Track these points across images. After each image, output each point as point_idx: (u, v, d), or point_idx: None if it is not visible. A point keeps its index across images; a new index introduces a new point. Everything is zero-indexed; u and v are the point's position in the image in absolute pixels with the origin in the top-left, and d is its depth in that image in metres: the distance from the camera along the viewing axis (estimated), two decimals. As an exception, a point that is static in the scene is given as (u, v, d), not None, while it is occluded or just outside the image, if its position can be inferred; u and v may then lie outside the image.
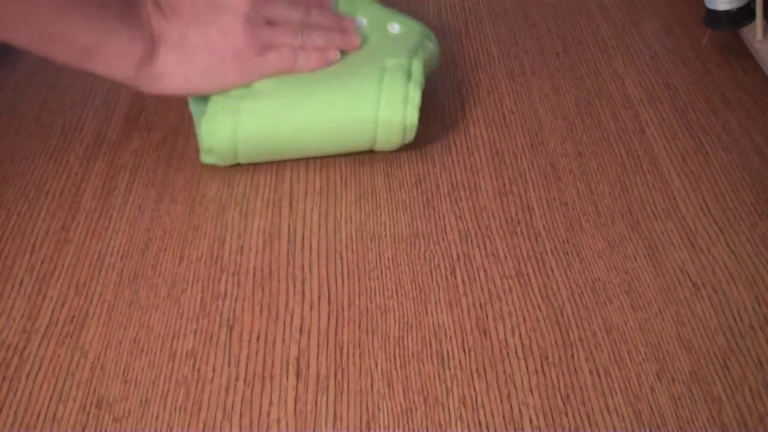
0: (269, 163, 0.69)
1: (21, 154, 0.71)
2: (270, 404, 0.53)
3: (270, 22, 0.66)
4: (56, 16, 0.58)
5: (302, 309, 0.58)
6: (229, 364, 0.55)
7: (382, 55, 0.68)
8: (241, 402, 0.53)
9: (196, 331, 0.57)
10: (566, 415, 0.51)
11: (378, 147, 0.68)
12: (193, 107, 0.68)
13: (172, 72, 0.63)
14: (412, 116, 0.66)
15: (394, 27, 0.72)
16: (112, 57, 0.61)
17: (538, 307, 0.57)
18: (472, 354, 0.54)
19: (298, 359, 0.55)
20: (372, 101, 0.65)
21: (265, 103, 0.66)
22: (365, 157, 0.69)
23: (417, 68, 0.68)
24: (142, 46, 0.61)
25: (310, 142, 0.67)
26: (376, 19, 0.72)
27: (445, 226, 0.63)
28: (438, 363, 0.54)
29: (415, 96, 0.66)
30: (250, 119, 0.65)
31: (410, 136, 0.67)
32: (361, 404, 0.52)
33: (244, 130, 0.65)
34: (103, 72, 0.62)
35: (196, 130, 0.67)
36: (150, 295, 0.59)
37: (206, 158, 0.67)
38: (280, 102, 0.66)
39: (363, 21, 0.72)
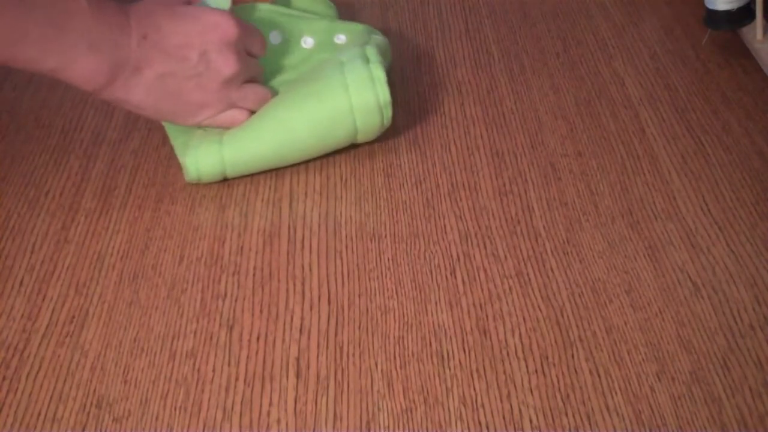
0: (269, 163, 0.69)
1: (21, 154, 0.71)
2: (270, 404, 0.53)
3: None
4: (14, 39, 0.58)
5: (302, 309, 0.58)
6: (229, 364, 0.55)
7: (337, 53, 0.70)
8: (241, 402, 0.53)
9: (196, 331, 0.57)
10: (566, 415, 0.51)
11: (361, 136, 0.68)
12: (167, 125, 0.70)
13: (132, 100, 0.64)
14: (384, 93, 0.66)
15: (341, 38, 0.73)
16: (74, 78, 0.61)
17: (538, 307, 0.57)
18: (472, 354, 0.54)
19: (298, 359, 0.55)
20: (342, 92, 0.66)
21: (246, 128, 0.67)
22: (365, 157, 0.69)
23: (371, 51, 0.68)
24: (107, 73, 0.61)
25: (296, 150, 0.67)
26: (322, 35, 0.73)
27: (445, 226, 0.63)
28: (438, 363, 0.54)
29: (379, 74, 0.66)
30: (235, 147, 0.66)
31: (388, 115, 0.67)
32: (361, 404, 0.52)
33: (231, 158, 0.66)
34: (72, 84, 0.62)
35: (175, 150, 0.68)
36: (150, 295, 0.59)
37: (192, 181, 0.68)
38: (259, 123, 0.67)
39: (310, 41, 0.73)
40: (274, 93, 0.69)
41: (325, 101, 0.66)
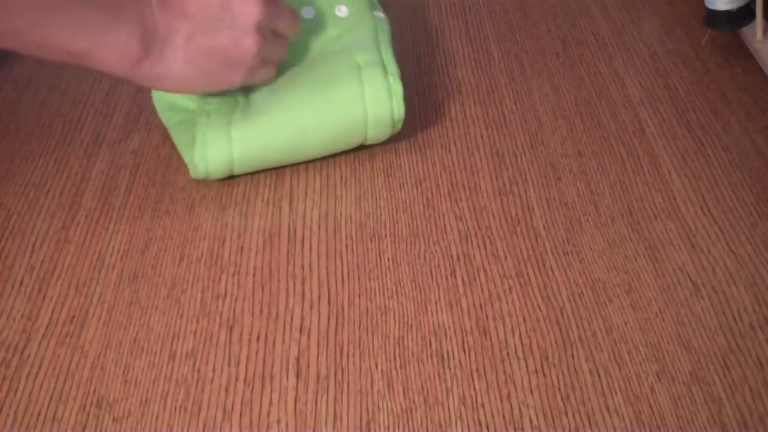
0: (269, 163, 0.69)
1: (21, 154, 0.71)
2: (270, 404, 0.53)
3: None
4: (42, 22, 0.57)
5: (302, 309, 0.58)
6: (229, 364, 0.55)
7: (350, 50, 0.69)
8: (241, 402, 0.53)
9: (196, 331, 0.57)
10: (566, 415, 0.51)
11: (369, 142, 0.68)
12: (164, 114, 0.69)
13: (173, 72, 0.63)
14: (399, 109, 0.66)
15: (342, 10, 0.72)
16: (106, 58, 0.60)
17: (538, 307, 0.57)
18: (472, 354, 0.54)
19: (298, 359, 0.55)
20: (358, 103, 0.65)
21: (256, 125, 0.65)
22: (365, 157, 0.69)
23: (388, 58, 0.68)
24: (139, 46, 0.60)
25: (305, 151, 0.67)
26: (323, 5, 0.72)
27: (445, 226, 0.63)
28: (438, 363, 0.54)
29: (397, 88, 0.66)
30: (244, 144, 0.65)
31: (398, 127, 0.68)
32: (361, 404, 0.52)
33: (240, 154, 0.65)
34: (100, 69, 0.61)
35: (179, 148, 0.67)
36: (150, 295, 0.59)
37: (199, 177, 0.67)
38: (269, 122, 0.66)
39: (311, 11, 0.72)
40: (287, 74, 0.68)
41: (340, 109, 0.65)
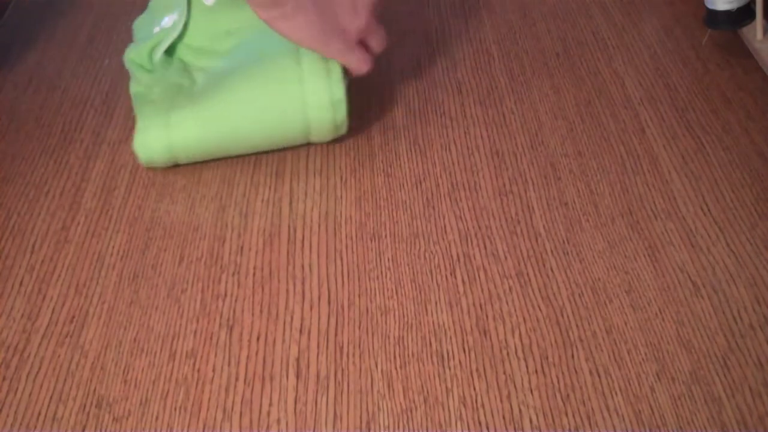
0: (269, 164, 0.69)
1: (21, 154, 0.71)
2: (270, 404, 0.53)
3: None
4: None
5: (302, 309, 0.58)
6: (229, 364, 0.55)
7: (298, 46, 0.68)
8: (241, 402, 0.53)
9: (196, 331, 0.57)
10: (566, 415, 0.51)
11: (315, 134, 0.67)
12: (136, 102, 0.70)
13: (301, 15, 0.63)
14: (338, 89, 0.65)
15: None
16: None
17: (538, 307, 0.57)
18: (472, 354, 0.54)
19: (298, 359, 0.55)
20: (297, 99, 0.65)
21: (194, 111, 0.66)
22: (365, 157, 0.69)
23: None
24: None
25: (244, 140, 0.67)
26: None
27: (445, 226, 0.63)
28: (438, 363, 0.54)
29: (336, 67, 0.65)
30: (182, 130, 0.66)
31: (342, 113, 0.66)
32: (361, 404, 0.52)
33: (179, 141, 0.66)
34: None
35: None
36: (150, 295, 0.59)
37: (145, 164, 0.68)
38: (208, 110, 0.66)
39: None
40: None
41: (278, 103, 0.65)
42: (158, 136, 0.66)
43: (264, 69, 0.66)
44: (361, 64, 0.67)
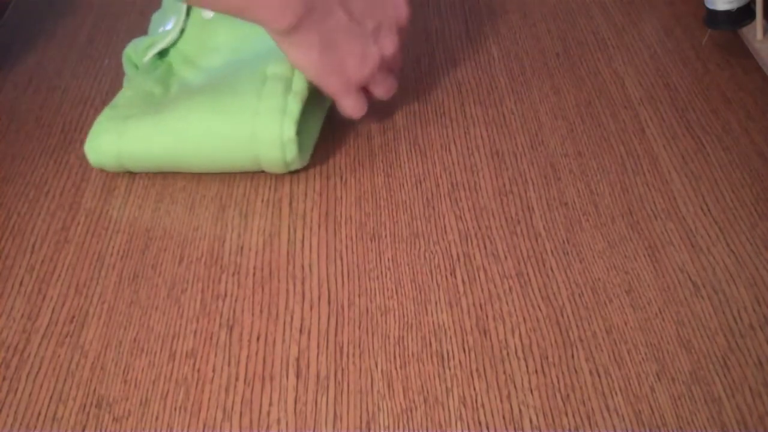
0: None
1: (21, 154, 0.71)
2: (270, 404, 0.53)
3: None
4: None
5: (302, 309, 0.58)
6: (229, 364, 0.55)
7: (266, 59, 0.67)
8: (241, 402, 0.53)
9: (196, 331, 0.57)
10: (566, 415, 0.51)
11: (266, 166, 0.66)
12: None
13: (305, 47, 0.63)
14: (289, 129, 0.64)
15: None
16: (263, 16, 0.62)
17: (538, 307, 0.57)
18: (472, 354, 0.54)
19: (298, 359, 0.55)
20: (247, 120, 0.64)
21: (149, 125, 0.66)
22: (365, 157, 0.69)
23: (299, 76, 0.66)
24: (295, 15, 0.61)
25: (192, 160, 0.66)
26: None
27: (445, 226, 0.63)
28: (438, 363, 0.54)
29: (293, 107, 0.64)
30: (133, 141, 0.66)
31: (291, 153, 0.64)
32: (361, 404, 0.52)
33: (128, 150, 0.66)
34: (255, 22, 0.63)
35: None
36: (150, 295, 0.59)
37: (97, 167, 0.68)
38: (163, 123, 0.66)
39: (210, 13, 0.73)
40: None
41: (229, 119, 0.64)
42: (109, 142, 0.66)
43: (225, 95, 0.66)
44: (354, 111, 0.67)
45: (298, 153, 0.65)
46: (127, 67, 0.73)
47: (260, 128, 0.64)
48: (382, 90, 0.69)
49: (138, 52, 0.72)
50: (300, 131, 0.65)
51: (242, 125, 0.64)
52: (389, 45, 0.66)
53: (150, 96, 0.69)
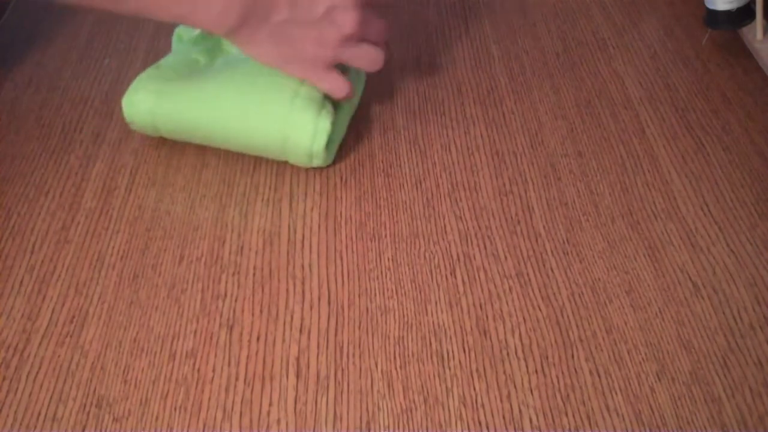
0: (269, 164, 0.69)
1: (21, 154, 0.71)
2: (270, 404, 0.53)
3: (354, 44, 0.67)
4: None
5: (302, 309, 0.58)
6: (229, 364, 0.55)
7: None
8: (241, 402, 0.53)
9: (196, 331, 0.57)
10: (566, 415, 0.51)
11: (290, 154, 0.67)
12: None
13: (256, 43, 0.65)
14: (319, 144, 0.65)
15: None
16: (202, 22, 0.63)
17: (538, 307, 0.57)
18: (472, 354, 0.54)
19: (298, 359, 0.55)
20: (281, 125, 0.65)
21: (187, 89, 0.67)
22: (365, 157, 0.69)
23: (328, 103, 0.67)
24: (237, 15, 0.63)
25: (220, 141, 0.68)
26: None
27: (445, 226, 0.63)
28: (438, 363, 0.54)
29: (324, 125, 0.65)
30: (169, 101, 0.67)
31: (318, 161, 0.66)
32: (361, 404, 0.52)
33: (162, 110, 0.67)
34: (198, 27, 0.65)
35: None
36: (150, 295, 0.59)
37: (132, 126, 0.70)
38: (201, 90, 0.67)
39: None
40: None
41: (263, 123, 0.65)
42: (146, 99, 0.68)
43: (269, 75, 0.66)
44: (333, 91, 0.67)
45: (326, 147, 0.66)
46: (175, 43, 0.74)
47: (297, 111, 0.65)
48: (364, 63, 0.68)
49: (188, 29, 0.74)
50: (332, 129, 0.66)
51: (281, 103, 0.65)
52: (347, 21, 0.65)
53: (194, 63, 0.71)
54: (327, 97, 0.67)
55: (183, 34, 0.74)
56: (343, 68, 0.69)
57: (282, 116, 0.65)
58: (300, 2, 0.65)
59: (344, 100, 0.68)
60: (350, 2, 0.65)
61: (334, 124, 0.67)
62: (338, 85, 0.67)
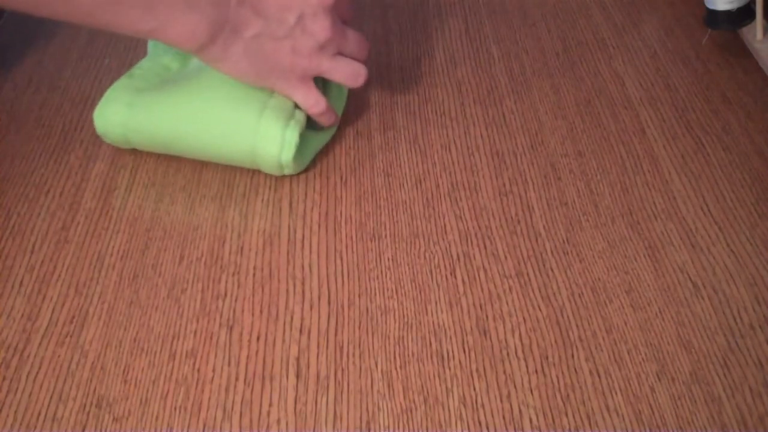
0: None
1: (21, 154, 0.71)
2: (270, 404, 0.53)
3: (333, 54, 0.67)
4: (112, 6, 0.60)
5: (302, 309, 0.58)
6: (229, 364, 0.55)
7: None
8: (241, 402, 0.53)
9: (196, 331, 0.57)
10: (566, 415, 0.51)
11: (260, 164, 0.66)
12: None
13: (235, 61, 0.64)
14: (287, 156, 0.65)
15: None
16: (172, 38, 0.62)
17: (538, 307, 0.57)
18: (472, 354, 0.54)
19: (298, 359, 0.55)
20: (250, 136, 0.65)
21: (156, 99, 0.67)
22: (365, 157, 0.69)
23: (300, 114, 0.67)
24: (206, 33, 0.62)
25: (191, 151, 0.67)
26: None
27: (445, 226, 0.63)
28: (438, 363, 0.54)
29: (290, 137, 0.65)
30: (141, 113, 0.67)
31: (288, 171, 0.66)
32: (361, 404, 0.52)
33: (134, 122, 0.67)
34: (168, 44, 0.63)
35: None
36: (150, 295, 0.59)
37: (104, 139, 0.69)
38: (168, 99, 0.66)
39: None
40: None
41: (232, 134, 0.65)
42: (117, 111, 0.67)
43: (240, 84, 0.66)
44: (308, 104, 0.66)
45: (295, 158, 0.65)
46: (150, 45, 0.74)
47: (266, 122, 0.64)
48: (343, 76, 0.67)
49: None
50: (302, 139, 0.66)
51: (249, 115, 0.65)
52: (320, 30, 0.65)
53: (166, 70, 0.71)
54: (300, 109, 0.66)
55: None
56: (324, 87, 0.68)
57: (251, 127, 0.65)
58: (271, 15, 0.64)
59: (323, 120, 0.68)
60: (320, 9, 0.65)
61: (303, 134, 0.66)
62: (312, 97, 0.66)
